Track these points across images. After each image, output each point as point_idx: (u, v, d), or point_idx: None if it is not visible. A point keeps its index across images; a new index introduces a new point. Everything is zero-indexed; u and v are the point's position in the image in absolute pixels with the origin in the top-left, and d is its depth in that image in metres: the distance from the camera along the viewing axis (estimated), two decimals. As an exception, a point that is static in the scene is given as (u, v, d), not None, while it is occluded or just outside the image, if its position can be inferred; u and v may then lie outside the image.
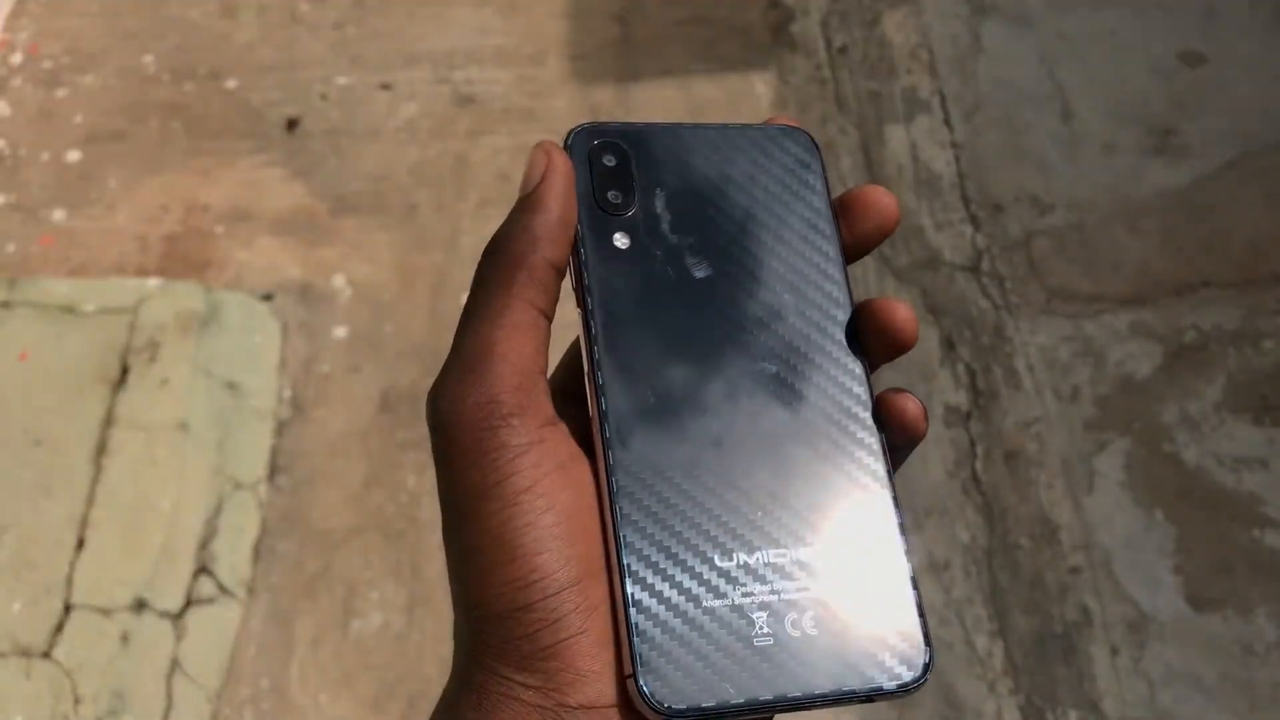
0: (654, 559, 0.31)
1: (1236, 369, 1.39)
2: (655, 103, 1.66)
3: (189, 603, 1.24)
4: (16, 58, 1.72)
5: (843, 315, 0.36)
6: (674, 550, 0.31)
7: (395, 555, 1.28)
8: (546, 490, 0.30)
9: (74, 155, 1.61)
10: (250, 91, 1.68)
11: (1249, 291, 1.46)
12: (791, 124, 0.38)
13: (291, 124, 1.64)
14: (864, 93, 1.67)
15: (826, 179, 0.38)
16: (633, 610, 0.30)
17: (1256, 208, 1.53)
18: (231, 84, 1.69)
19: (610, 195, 0.35)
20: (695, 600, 0.31)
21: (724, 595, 0.31)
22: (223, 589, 1.25)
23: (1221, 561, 1.27)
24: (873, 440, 0.34)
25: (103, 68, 1.70)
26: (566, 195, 0.34)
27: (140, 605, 1.23)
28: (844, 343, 0.35)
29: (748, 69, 1.70)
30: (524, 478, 0.30)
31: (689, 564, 0.31)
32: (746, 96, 1.67)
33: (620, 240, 0.35)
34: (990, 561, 1.28)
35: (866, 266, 1.49)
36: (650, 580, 0.31)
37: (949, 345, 1.43)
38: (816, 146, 0.38)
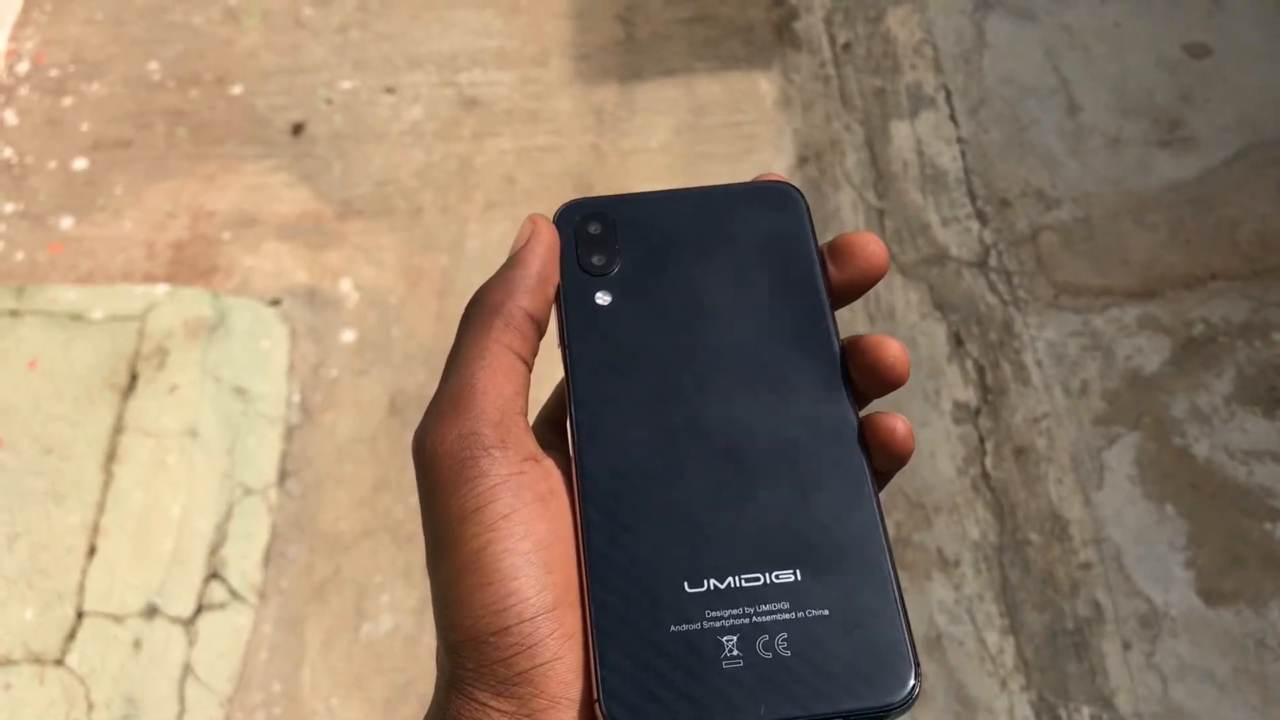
0: (620, 584, 0.31)
1: (1246, 361, 1.39)
2: (659, 102, 1.66)
3: (200, 608, 1.24)
4: (23, 66, 1.72)
5: (827, 354, 0.36)
6: (641, 577, 0.32)
7: (405, 558, 1.28)
8: (525, 519, 0.31)
9: (81, 163, 1.61)
10: (255, 97, 1.68)
11: (1257, 283, 1.45)
12: (777, 179, 0.39)
13: (297, 129, 1.64)
14: (868, 89, 1.67)
15: (813, 228, 0.38)
16: (598, 634, 0.31)
17: (1264, 199, 1.52)
18: (236, 90, 1.69)
19: (594, 259, 0.37)
20: (661, 625, 0.31)
21: (691, 619, 0.31)
22: (234, 594, 1.26)
23: (1234, 555, 1.26)
24: (857, 460, 0.34)
25: (108, 75, 1.71)
26: (546, 255, 0.36)
27: (152, 611, 1.23)
28: (829, 378, 0.35)
29: (751, 67, 1.70)
30: (503, 505, 0.31)
31: (655, 589, 0.32)
32: (750, 95, 1.67)
33: (602, 298, 0.37)
34: (1000, 558, 1.27)
35: (873, 263, 1.48)
36: (616, 605, 0.31)
37: (957, 341, 1.42)
38: (802, 197, 0.39)
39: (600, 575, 0.31)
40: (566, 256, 0.37)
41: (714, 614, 0.31)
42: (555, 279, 0.36)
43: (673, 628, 0.31)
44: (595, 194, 0.41)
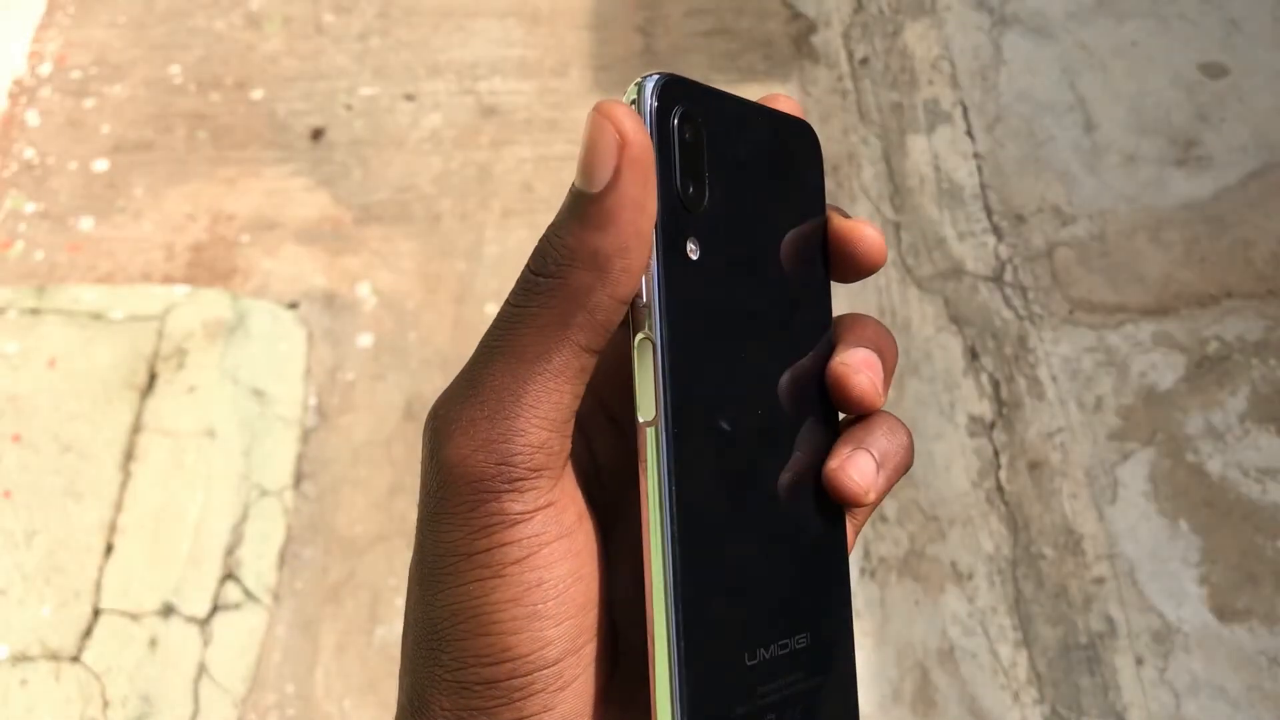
0: (705, 660, 0.26)
1: (1260, 380, 1.39)
2: (677, 113, 1.67)
3: (216, 608, 1.25)
4: (45, 68, 1.73)
5: (823, 374, 0.31)
6: (721, 652, 0.27)
7: (420, 562, 1.29)
8: (541, 563, 0.26)
9: (101, 164, 1.62)
10: (275, 102, 1.69)
11: (1272, 302, 1.45)
12: (795, 113, 0.31)
13: (316, 134, 1.65)
14: (886, 104, 1.68)
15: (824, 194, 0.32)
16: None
17: (1279, 218, 1.53)
18: (257, 94, 1.70)
19: (690, 187, 0.26)
20: (730, 708, 0.27)
21: (748, 699, 0.28)
22: (249, 595, 1.26)
23: (1247, 572, 1.26)
24: (835, 503, 0.31)
25: (130, 78, 1.72)
26: (645, 202, 0.25)
27: (168, 610, 1.24)
28: (826, 410, 0.31)
29: (769, 80, 1.71)
30: (519, 548, 0.26)
31: (729, 665, 0.27)
32: (768, 107, 1.68)
33: (691, 248, 0.27)
34: (1014, 571, 1.27)
35: (889, 276, 1.49)
36: (698, 684, 0.26)
37: (972, 355, 1.43)
38: (819, 145, 0.32)
39: (689, 646, 0.26)
40: (658, 177, 0.26)
41: (763, 689, 0.28)
42: (652, 234, 0.26)
43: (737, 708, 0.27)
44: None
